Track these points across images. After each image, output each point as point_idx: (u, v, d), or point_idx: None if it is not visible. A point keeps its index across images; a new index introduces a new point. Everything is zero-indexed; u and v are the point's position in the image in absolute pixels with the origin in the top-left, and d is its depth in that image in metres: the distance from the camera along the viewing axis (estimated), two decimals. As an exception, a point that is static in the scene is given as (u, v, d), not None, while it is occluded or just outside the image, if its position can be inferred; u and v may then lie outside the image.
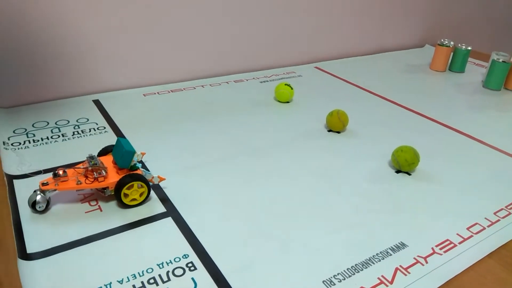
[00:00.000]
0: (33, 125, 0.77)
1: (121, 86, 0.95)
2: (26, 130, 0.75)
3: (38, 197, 0.54)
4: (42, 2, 0.79)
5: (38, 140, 0.72)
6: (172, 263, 0.48)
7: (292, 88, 0.92)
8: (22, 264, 0.47)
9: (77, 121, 0.79)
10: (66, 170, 0.55)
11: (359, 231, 0.56)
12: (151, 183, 0.59)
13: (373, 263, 0.50)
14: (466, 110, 0.97)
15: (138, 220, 0.55)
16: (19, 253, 0.49)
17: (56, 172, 0.54)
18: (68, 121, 0.79)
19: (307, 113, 0.89)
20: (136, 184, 0.55)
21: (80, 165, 0.57)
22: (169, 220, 0.55)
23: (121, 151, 0.56)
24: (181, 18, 0.97)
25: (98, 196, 0.58)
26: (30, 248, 0.49)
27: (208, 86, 1.00)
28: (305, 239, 0.53)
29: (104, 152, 0.61)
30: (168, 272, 0.47)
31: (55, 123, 0.78)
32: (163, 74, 1.00)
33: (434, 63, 1.24)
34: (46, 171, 0.64)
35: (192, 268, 0.48)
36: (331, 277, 0.48)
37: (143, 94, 0.93)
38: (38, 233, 0.52)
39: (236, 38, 1.07)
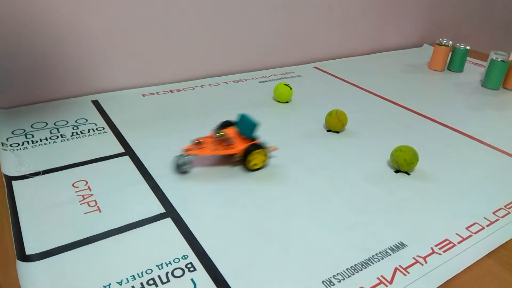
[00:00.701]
0: (32, 126, 0.77)
1: (120, 86, 0.95)
2: (25, 131, 0.75)
3: (184, 159, 0.64)
4: (41, 2, 0.79)
5: (37, 141, 0.72)
6: (171, 264, 0.48)
7: (291, 88, 0.92)
8: (21, 266, 0.47)
9: (76, 121, 0.79)
10: (204, 139, 0.66)
11: (358, 231, 0.56)
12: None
13: (373, 263, 0.50)
14: (465, 109, 0.97)
15: (137, 221, 0.55)
16: (18, 254, 0.49)
17: (196, 141, 0.66)
18: (67, 122, 0.79)
19: (306, 113, 0.89)
20: (260, 151, 0.65)
21: (208, 139, 0.67)
22: (168, 221, 0.55)
23: (247, 124, 0.67)
24: (180, 18, 0.97)
25: (222, 162, 0.68)
26: (29, 250, 0.49)
27: (207, 86, 1.00)
28: (305, 240, 0.53)
29: (224, 125, 0.70)
30: (167, 273, 0.47)
31: (54, 124, 0.78)
32: (162, 74, 1.00)
33: (432, 63, 1.24)
34: (45, 172, 0.63)
35: (192, 269, 0.48)
36: (331, 277, 0.48)
37: (142, 95, 0.93)
38: (37, 234, 0.52)
39: (235, 38, 1.07)
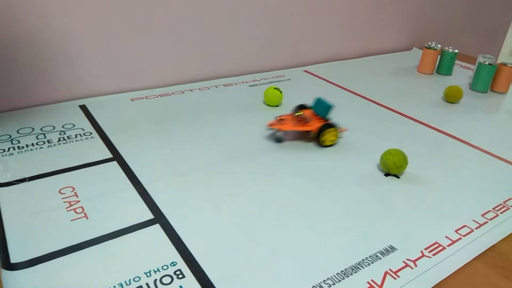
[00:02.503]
0: (18, 132, 0.75)
1: (108, 90, 0.94)
2: (10, 136, 0.74)
3: (279, 133, 0.77)
4: (27, 5, 0.78)
5: (23, 147, 0.71)
6: (160, 271, 0.48)
7: (281, 92, 0.92)
8: (6, 275, 0.46)
9: (63, 127, 0.78)
10: (285, 117, 0.78)
11: (348, 235, 0.56)
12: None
13: (363, 267, 0.50)
14: (454, 112, 0.98)
15: (125, 228, 0.54)
16: (3, 263, 0.48)
17: (279, 118, 0.77)
18: (54, 127, 0.78)
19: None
20: (332, 129, 0.76)
21: (288, 116, 0.79)
22: (157, 227, 0.55)
23: (323, 106, 0.77)
24: (169, 22, 0.96)
25: (300, 137, 0.79)
26: (14, 258, 0.48)
27: (197, 90, 1.00)
28: (295, 244, 0.53)
29: (300, 107, 0.81)
30: (155, 280, 0.46)
31: (41, 129, 0.77)
32: (151, 78, 0.99)
33: (421, 66, 1.25)
34: (31, 178, 0.62)
35: (180, 276, 0.47)
36: (321, 282, 0.48)
37: (131, 99, 0.93)
38: (22, 242, 0.51)
39: (225, 42, 1.07)
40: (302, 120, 0.78)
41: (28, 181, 0.62)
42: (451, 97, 1.02)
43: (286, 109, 0.93)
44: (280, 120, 0.77)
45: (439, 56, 1.24)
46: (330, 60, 1.31)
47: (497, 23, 1.89)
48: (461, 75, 1.25)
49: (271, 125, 0.77)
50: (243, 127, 0.83)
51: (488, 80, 1.11)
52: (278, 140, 0.78)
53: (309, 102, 0.97)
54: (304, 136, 0.80)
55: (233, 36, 1.08)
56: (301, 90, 1.04)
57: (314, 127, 0.76)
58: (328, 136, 0.76)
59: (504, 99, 1.09)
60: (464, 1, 1.64)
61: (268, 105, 0.94)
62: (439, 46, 1.22)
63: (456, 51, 1.22)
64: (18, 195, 0.59)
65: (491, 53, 1.18)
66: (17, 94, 0.84)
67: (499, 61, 1.12)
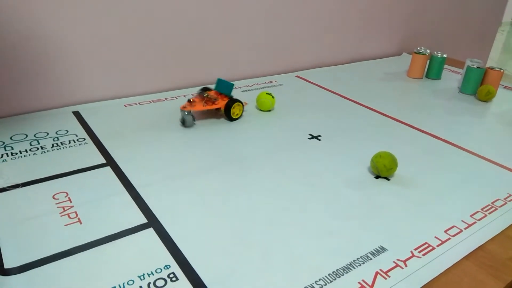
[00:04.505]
0: (11, 138, 0.76)
1: (102, 97, 0.95)
2: (4, 143, 0.74)
3: (184, 115, 0.83)
4: (20, 12, 0.79)
5: (17, 153, 0.71)
6: (153, 274, 0.48)
7: (273, 97, 0.93)
8: (0, 280, 0.46)
9: (56, 133, 0.78)
10: (195, 99, 0.85)
11: (339, 236, 0.56)
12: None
13: (354, 268, 0.51)
14: (443, 115, 1.00)
15: (119, 232, 0.54)
16: (-4, 268, 0.48)
17: (190, 99, 0.84)
18: (47, 133, 0.78)
19: (288, 122, 0.90)
20: (237, 104, 0.87)
21: (197, 98, 0.87)
22: (150, 231, 0.55)
23: (225, 85, 0.87)
24: (161, 28, 0.97)
25: (211, 115, 0.90)
26: (8, 263, 0.49)
27: (189, 96, 1.01)
28: (286, 246, 0.54)
29: (204, 89, 0.91)
30: (149, 283, 0.47)
31: (34, 136, 0.77)
32: (144, 84, 1.00)
33: (411, 71, 1.27)
34: (24, 184, 0.63)
35: (174, 278, 0.48)
36: (313, 283, 0.48)
37: (124, 105, 0.93)
38: (16, 247, 0.51)
39: (217, 47, 1.08)
40: (209, 101, 0.86)
41: (22, 187, 0.62)
42: (484, 95, 1.09)
43: (278, 114, 0.94)
44: (191, 102, 0.85)
45: (428, 61, 1.26)
46: (321, 65, 1.32)
47: (485, 28, 1.93)
48: (450, 79, 1.27)
49: (183, 107, 0.84)
50: (235, 132, 0.84)
51: (476, 84, 1.13)
52: (184, 122, 0.84)
53: (302, 107, 0.99)
54: (214, 114, 0.91)
55: (226, 42, 1.09)
56: (293, 95, 1.05)
57: (221, 104, 0.87)
58: (235, 110, 0.88)
59: (493, 102, 1.11)
60: (452, 8, 1.67)
61: (261, 110, 0.95)
62: (428, 51, 1.24)
63: (444, 55, 1.24)
64: (12, 201, 0.59)
65: (478, 57, 1.21)
66: (10, 101, 0.84)
67: (488, 65, 1.15)
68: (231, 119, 0.88)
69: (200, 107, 0.85)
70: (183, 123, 0.84)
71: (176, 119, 0.87)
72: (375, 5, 1.37)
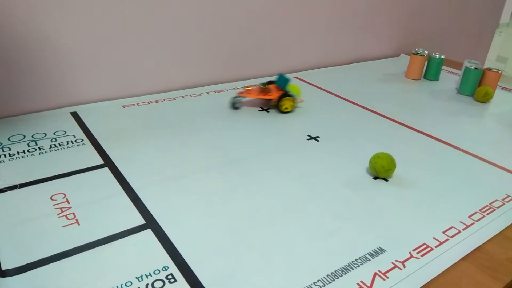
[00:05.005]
0: (9, 139, 0.75)
1: (100, 97, 0.95)
2: (1, 144, 0.73)
3: (237, 98, 0.94)
4: (17, 12, 0.79)
5: (14, 154, 0.71)
6: (151, 276, 0.48)
7: (299, 87, 1.00)
8: (-3, 281, 0.46)
9: (54, 134, 0.78)
10: (252, 88, 0.96)
11: (338, 237, 0.56)
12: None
13: (352, 269, 0.51)
14: (441, 116, 1.00)
15: (117, 233, 0.54)
16: (-6, 270, 0.48)
17: (246, 88, 0.95)
18: (45, 134, 0.78)
19: (286, 122, 0.90)
20: (287, 98, 0.93)
21: (255, 88, 0.96)
22: (148, 232, 0.55)
23: (282, 79, 0.94)
24: (160, 28, 0.97)
25: (264, 105, 0.98)
26: (5, 265, 0.48)
27: (188, 97, 1.00)
28: (285, 247, 0.54)
29: (267, 83, 0.96)
30: (147, 285, 0.47)
31: (32, 137, 0.77)
32: (142, 85, 1.00)
33: (409, 72, 1.27)
34: (22, 185, 0.62)
35: (172, 280, 0.48)
36: (311, 284, 0.48)
37: (122, 106, 0.93)
38: (13, 249, 0.51)
39: (217, 48, 1.08)
40: (265, 91, 0.94)
41: (19, 188, 0.62)
42: (482, 96, 1.09)
43: (275, 114, 0.94)
44: (248, 90, 0.94)
45: (426, 62, 1.26)
46: (320, 66, 1.32)
47: (483, 29, 1.94)
48: (448, 80, 1.28)
49: (239, 93, 0.94)
50: (234, 133, 0.84)
51: (474, 85, 1.13)
52: (234, 105, 0.94)
53: (300, 108, 0.99)
54: (266, 104, 0.98)
55: (225, 43, 1.09)
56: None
57: (274, 96, 0.93)
58: (284, 103, 0.93)
59: (490, 103, 1.11)
60: (451, 9, 1.68)
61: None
62: (426, 52, 1.24)
63: (442, 57, 1.24)
64: (9, 203, 0.59)
65: (476, 58, 1.21)
66: (7, 102, 0.84)
67: (485, 66, 1.15)
68: (281, 112, 0.94)
69: (254, 95, 0.94)
70: (233, 104, 0.94)
71: (175, 119, 0.87)
72: (373, 6, 1.37)
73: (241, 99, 0.95)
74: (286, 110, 0.94)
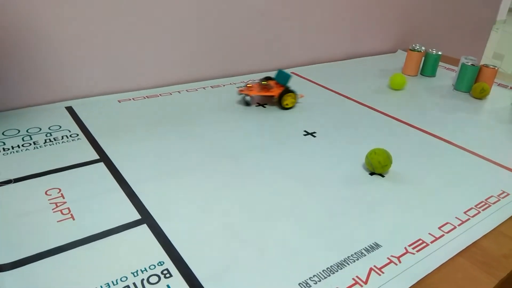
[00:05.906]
0: (3, 133, 0.75)
1: (95, 92, 0.94)
2: (-5, 138, 0.73)
3: (248, 98, 0.94)
4: (10, 7, 0.78)
5: (9, 149, 0.70)
6: (147, 271, 0.48)
7: (403, 75, 1.07)
8: (-9, 276, 0.46)
9: (49, 128, 0.78)
10: (253, 85, 0.96)
11: (334, 232, 0.56)
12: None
13: (348, 264, 0.51)
14: (438, 112, 1.00)
15: (112, 228, 0.54)
16: (-12, 265, 0.47)
17: (248, 85, 0.95)
18: (40, 129, 0.77)
19: (282, 118, 0.90)
20: (289, 94, 0.92)
21: (255, 84, 0.97)
22: (144, 227, 0.55)
23: (283, 75, 0.94)
24: (156, 23, 0.96)
25: (265, 101, 0.98)
26: (0, 259, 0.48)
27: (184, 92, 1.00)
28: (281, 242, 0.54)
29: (266, 78, 0.97)
30: (142, 280, 0.47)
31: (27, 131, 0.76)
32: (138, 79, 0.99)
33: (406, 68, 1.27)
34: (16, 180, 0.62)
35: (168, 275, 0.47)
36: (307, 279, 0.48)
37: (118, 100, 0.92)
38: (8, 243, 0.50)
39: (213, 44, 1.07)
40: (266, 88, 0.94)
41: (14, 183, 0.61)
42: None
43: (272, 110, 0.94)
44: (249, 87, 0.94)
45: (423, 58, 1.26)
46: (316, 62, 1.32)
47: (480, 26, 1.94)
48: (445, 76, 1.28)
49: (241, 91, 0.93)
50: (230, 128, 0.83)
51: (471, 81, 1.13)
52: (247, 103, 0.94)
53: (297, 104, 0.98)
54: (268, 100, 0.98)
55: (222, 38, 1.08)
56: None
57: (276, 92, 0.93)
58: (286, 99, 0.92)
59: (487, 100, 1.11)
60: (447, 5, 1.68)
61: (393, 89, 1.10)
62: (423, 48, 1.24)
63: (439, 53, 1.24)
64: (4, 197, 0.58)
65: (473, 55, 1.21)
66: (2, 96, 0.83)
67: (482, 63, 1.15)
68: (282, 108, 0.94)
69: (255, 92, 0.93)
70: (247, 103, 0.94)
71: (171, 114, 0.87)
72: (371, 2, 1.37)
73: (253, 96, 0.95)
74: (287, 106, 0.94)
